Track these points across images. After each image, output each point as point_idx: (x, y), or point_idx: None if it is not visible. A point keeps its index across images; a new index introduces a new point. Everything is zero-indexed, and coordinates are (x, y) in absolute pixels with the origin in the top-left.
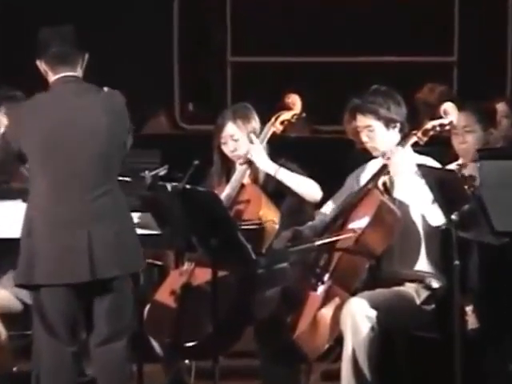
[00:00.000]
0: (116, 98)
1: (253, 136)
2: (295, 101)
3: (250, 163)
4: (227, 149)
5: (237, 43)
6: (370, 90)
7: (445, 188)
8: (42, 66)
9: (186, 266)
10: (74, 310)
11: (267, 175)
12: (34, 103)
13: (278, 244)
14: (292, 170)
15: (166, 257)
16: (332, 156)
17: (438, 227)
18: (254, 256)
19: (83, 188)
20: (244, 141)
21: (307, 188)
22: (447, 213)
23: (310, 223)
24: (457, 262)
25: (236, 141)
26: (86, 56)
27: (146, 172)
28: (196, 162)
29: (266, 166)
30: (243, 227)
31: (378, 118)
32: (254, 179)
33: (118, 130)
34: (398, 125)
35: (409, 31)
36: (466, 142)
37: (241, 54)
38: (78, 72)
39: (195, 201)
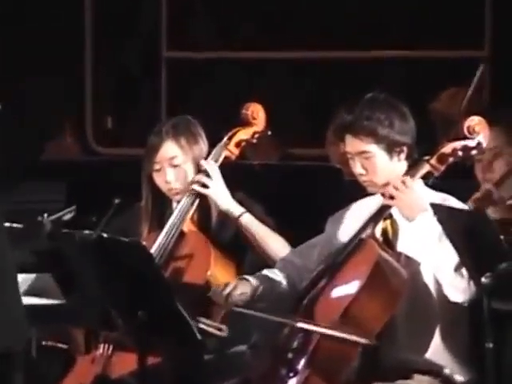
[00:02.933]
0: None
1: (207, 163)
2: (257, 113)
3: (193, 201)
4: (161, 178)
5: (174, 34)
6: (365, 100)
7: (472, 238)
8: None
9: (101, 350)
10: None
11: (220, 220)
12: None
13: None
14: (254, 214)
15: (73, 337)
16: (309, 190)
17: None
18: (198, 335)
19: None
20: (188, 168)
21: (274, 243)
22: (476, 274)
23: (263, 272)
24: (490, 345)
25: (176, 167)
26: None
27: (45, 215)
28: (117, 201)
29: (230, 205)
30: (184, 294)
31: (377, 140)
32: (200, 224)
33: None
34: (405, 149)
35: (421, 17)
36: (494, 170)
37: (179, 48)
38: None
39: (115, 256)
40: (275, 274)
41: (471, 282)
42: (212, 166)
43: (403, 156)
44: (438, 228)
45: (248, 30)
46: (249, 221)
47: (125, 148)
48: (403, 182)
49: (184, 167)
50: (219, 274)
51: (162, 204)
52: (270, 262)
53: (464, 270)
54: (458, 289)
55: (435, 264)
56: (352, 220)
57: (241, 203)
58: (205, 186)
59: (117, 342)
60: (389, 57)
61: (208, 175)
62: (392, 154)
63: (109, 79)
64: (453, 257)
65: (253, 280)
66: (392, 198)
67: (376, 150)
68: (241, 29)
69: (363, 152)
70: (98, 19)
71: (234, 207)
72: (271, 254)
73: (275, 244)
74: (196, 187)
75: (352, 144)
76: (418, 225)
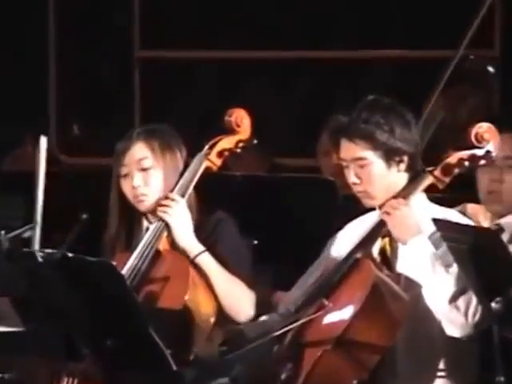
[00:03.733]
0: None
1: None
2: (241, 120)
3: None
4: (128, 185)
5: (148, 31)
6: (365, 102)
7: (480, 257)
8: None
9: (65, 383)
10: None
11: (202, 235)
12: None
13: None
14: (226, 241)
15: (33, 370)
16: (299, 205)
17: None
18: (174, 366)
19: None
20: (157, 175)
21: (233, 294)
22: (485, 299)
23: (261, 319)
24: (501, 379)
25: (145, 171)
26: None
27: (2, 232)
28: (84, 216)
29: (188, 242)
30: (159, 321)
31: (375, 146)
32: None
33: None
34: (406, 159)
35: (425, 15)
36: (504, 181)
37: (154, 47)
38: None
39: (82, 277)
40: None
41: (471, 316)
42: (178, 198)
43: (403, 166)
44: (432, 254)
45: (229, 28)
46: (208, 261)
47: (93, 158)
48: (397, 201)
49: (154, 173)
50: (198, 298)
51: (131, 217)
52: (227, 311)
53: (460, 303)
54: (453, 323)
55: (428, 294)
56: (349, 238)
57: (218, 223)
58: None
59: (83, 375)
60: (388, 57)
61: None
62: (390, 163)
63: (75, 82)
64: (447, 287)
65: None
66: (388, 213)
67: (372, 157)
68: (221, 25)
69: (358, 159)
70: (63, 17)
71: (193, 244)
72: (228, 302)
73: (235, 291)
74: (160, 213)
75: (346, 149)
76: (410, 249)
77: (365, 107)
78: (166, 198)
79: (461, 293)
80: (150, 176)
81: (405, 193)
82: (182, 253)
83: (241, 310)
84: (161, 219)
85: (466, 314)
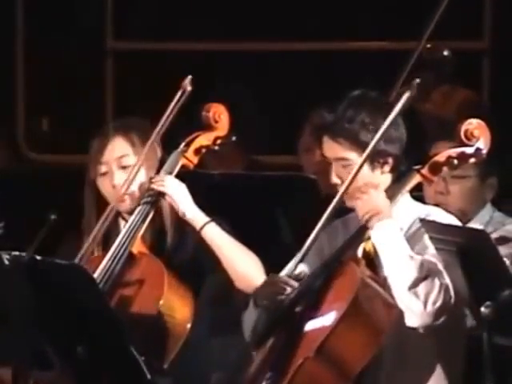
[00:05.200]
0: None
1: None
2: (219, 115)
3: (146, 215)
4: (107, 183)
5: (121, 22)
6: (350, 98)
7: (469, 259)
8: None
9: None
10: None
11: (176, 240)
12: None
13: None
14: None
15: None
16: (279, 204)
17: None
18: (148, 375)
19: None
20: (140, 173)
21: (244, 259)
22: (474, 303)
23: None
24: None
25: (126, 169)
26: None
27: None
28: (53, 217)
29: (194, 212)
30: (133, 327)
31: (359, 147)
32: (152, 245)
33: None
34: (390, 160)
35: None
36: (450, 192)
37: (128, 39)
38: None
39: (51, 281)
40: None
41: (430, 304)
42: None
43: (387, 168)
44: (397, 240)
45: (207, 17)
46: (216, 231)
47: (63, 154)
48: (366, 184)
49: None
50: (173, 303)
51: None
52: (237, 283)
53: (420, 290)
54: (411, 311)
55: (390, 280)
56: (330, 241)
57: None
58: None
59: None
60: (373, 49)
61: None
62: (374, 165)
63: (44, 73)
64: (409, 273)
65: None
66: (371, 216)
67: (356, 159)
68: (199, 14)
69: (341, 159)
70: (31, 5)
71: (198, 214)
72: (239, 272)
73: (245, 260)
74: (155, 186)
75: (329, 148)
76: (375, 234)
77: (350, 104)
78: (151, 180)
79: (422, 280)
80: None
81: (391, 193)
82: (188, 225)
83: (253, 279)
84: (145, 203)
85: (425, 302)
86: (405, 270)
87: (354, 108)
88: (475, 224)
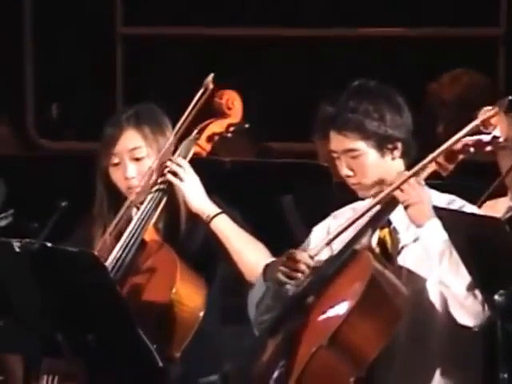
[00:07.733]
0: None
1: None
2: (232, 102)
3: (158, 202)
4: (120, 174)
5: (131, 8)
6: (350, 89)
7: (483, 248)
8: None
9: (44, 382)
10: None
11: (189, 227)
12: None
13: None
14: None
15: (9, 367)
16: (291, 192)
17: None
18: (160, 363)
19: None
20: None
21: (253, 252)
22: (488, 292)
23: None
24: (505, 376)
25: (138, 161)
26: None
27: None
28: (63, 204)
29: (204, 204)
30: (144, 315)
31: (366, 136)
32: (165, 233)
33: None
34: (399, 145)
35: None
36: None
37: (138, 24)
38: None
39: (62, 269)
40: None
41: (486, 305)
42: (183, 161)
43: (397, 153)
44: (444, 236)
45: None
46: (224, 223)
47: (73, 141)
48: (415, 180)
49: (148, 162)
50: (186, 291)
51: (119, 207)
52: (246, 275)
53: (477, 292)
54: (468, 311)
55: (444, 280)
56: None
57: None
58: (177, 176)
59: (62, 372)
60: (389, 36)
61: (180, 166)
62: (384, 152)
63: (54, 60)
64: (466, 273)
65: None
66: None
67: (364, 148)
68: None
69: (349, 150)
70: None
71: (208, 206)
72: (249, 264)
73: (255, 253)
74: (169, 176)
75: (336, 141)
76: (425, 233)
77: (351, 95)
78: (167, 162)
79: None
80: (144, 166)
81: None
82: (197, 216)
83: (260, 265)
84: (157, 190)
85: (483, 303)
86: (462, 271)
87: (355, 98)
88: None
